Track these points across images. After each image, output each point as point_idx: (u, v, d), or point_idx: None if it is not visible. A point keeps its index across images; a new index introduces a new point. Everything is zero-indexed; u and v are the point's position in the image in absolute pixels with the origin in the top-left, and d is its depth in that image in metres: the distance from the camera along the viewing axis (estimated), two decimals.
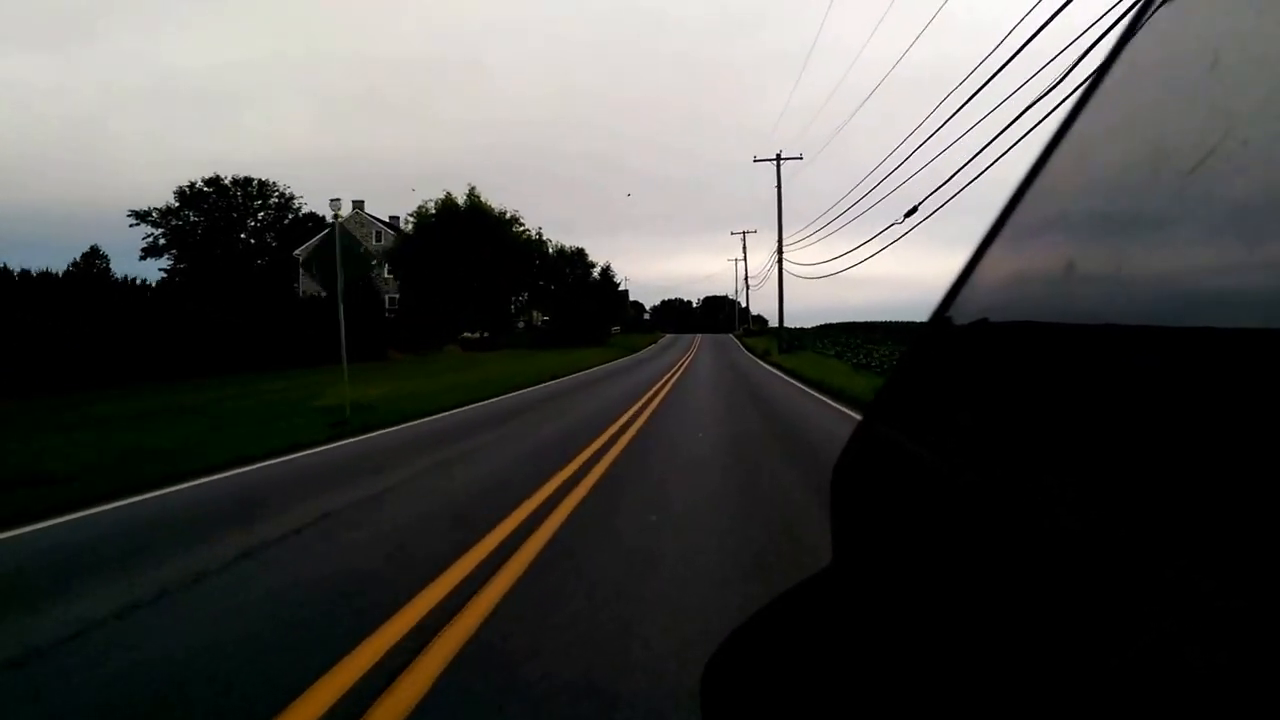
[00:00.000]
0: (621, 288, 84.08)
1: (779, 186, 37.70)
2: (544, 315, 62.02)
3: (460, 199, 49.20)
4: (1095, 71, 0.71)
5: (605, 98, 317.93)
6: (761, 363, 32.43)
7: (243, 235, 64.72)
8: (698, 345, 53.98)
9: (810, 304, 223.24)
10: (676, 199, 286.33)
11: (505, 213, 50.96)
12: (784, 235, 54.74)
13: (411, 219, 49.45)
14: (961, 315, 0.84)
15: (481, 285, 46.00)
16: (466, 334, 49.29)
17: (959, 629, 0.61)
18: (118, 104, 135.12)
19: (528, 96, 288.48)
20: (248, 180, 64.72)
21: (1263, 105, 0.46)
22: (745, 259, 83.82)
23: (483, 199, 49.57)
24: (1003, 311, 0.82)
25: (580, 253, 65.64)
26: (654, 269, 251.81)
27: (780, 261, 37.77)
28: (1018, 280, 0.80)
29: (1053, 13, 8.54)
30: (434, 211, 48.54)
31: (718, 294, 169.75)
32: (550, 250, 54.45)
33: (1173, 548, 0.41)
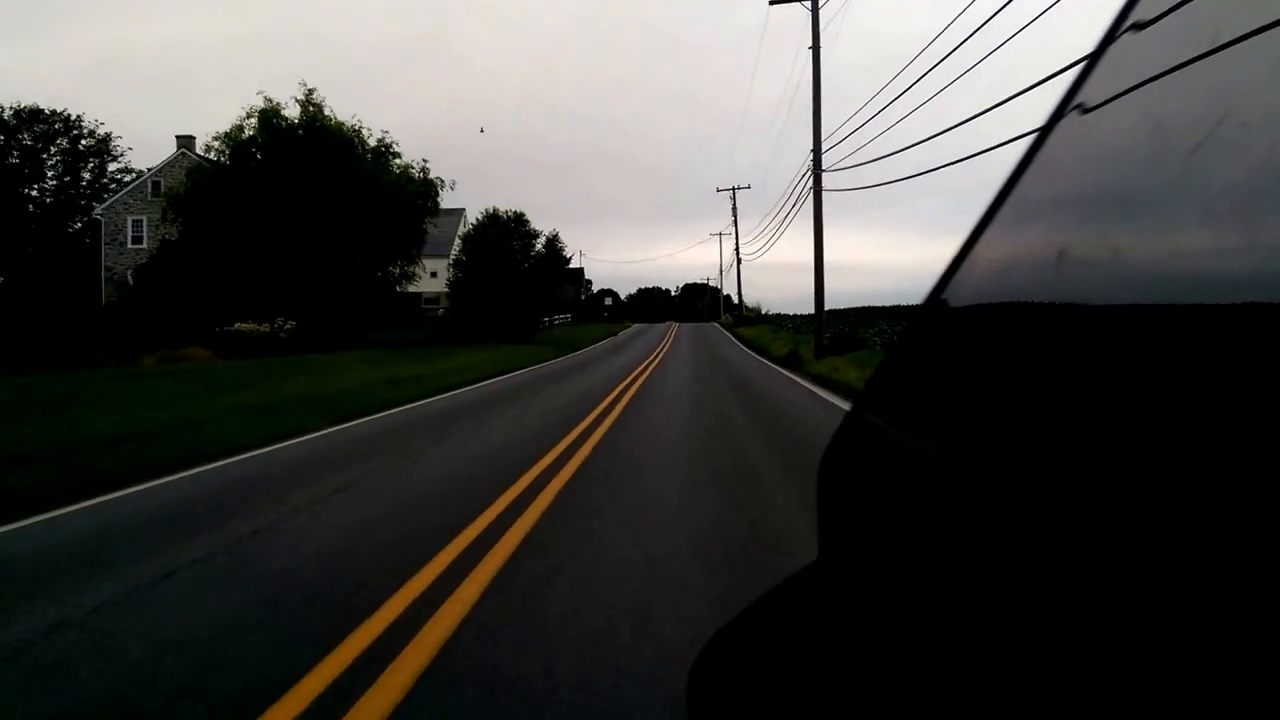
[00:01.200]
0: (573, 264, 64.52)
1: (815, 47, 20.15)
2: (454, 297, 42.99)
3: (291, 111, 30.69)
4: (1092, 50, 0.69)
5: (584, 83, 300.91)
6: (810, 387, 14.83)
7: (37, 190, 45.99)
8: (671, 340, 37.64)
9: (789, 293, 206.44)
10: (657, 188, 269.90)
11: (361, 129, 32.34)
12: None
13: (217, 143, 30.85)
14: (956, 300, 0.83)
15: (311, 243, 27.69)
16: (246, 324, 30.78)
17: (948, 623, 0.60)
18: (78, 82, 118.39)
19: (505, 81, 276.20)
20: (36, 113, 45.92)
21: (1263, 84, 0.46)
22: (736, 224, 64.67)
23: (327, 112, 30.97)
24: (998, 297, 0.81)
25: (519, 218, 47.52)
26: (631, 258, 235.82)
27: (817, 177, 20.21)
28: (1014, 265, 0.79)
29: None
30: (251, 134, 30.14)
31: (697, 280, 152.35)
32: (439, 194, 34.53)
33: (1167, 536, 0.41)
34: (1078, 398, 0.56)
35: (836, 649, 0.81)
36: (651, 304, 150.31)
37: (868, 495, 0.87)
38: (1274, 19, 0.46)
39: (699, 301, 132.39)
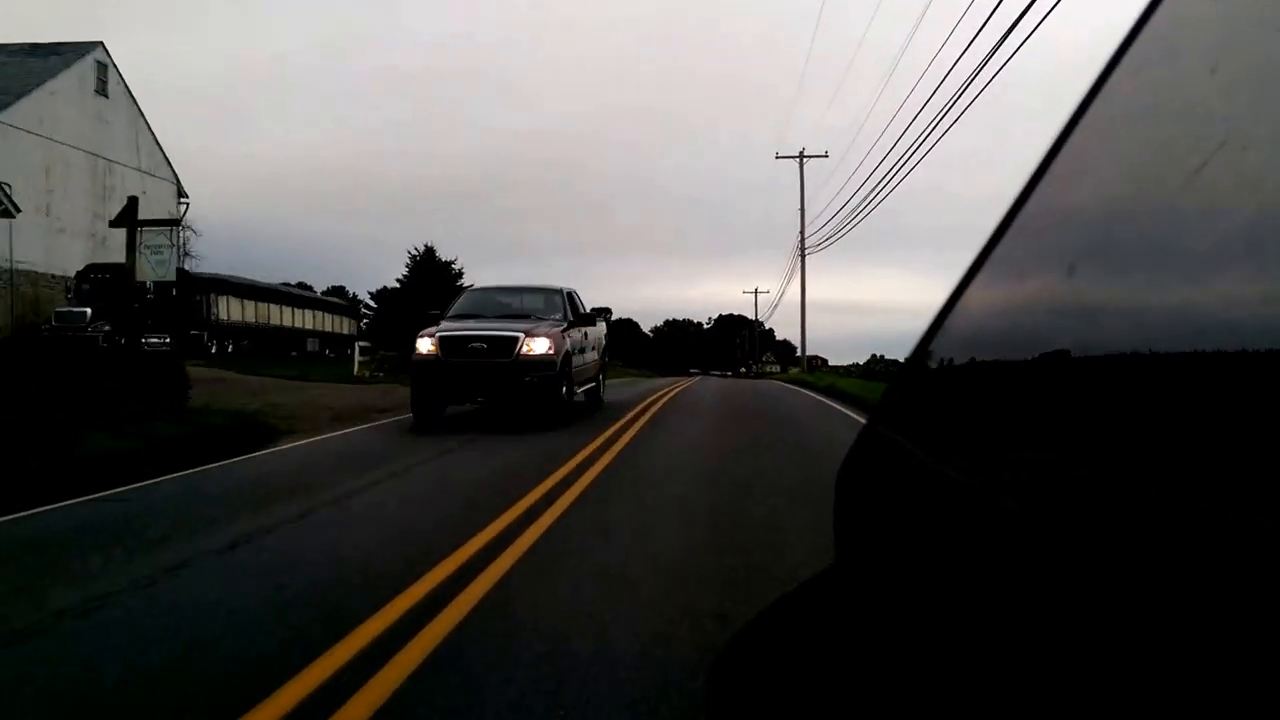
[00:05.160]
0: None
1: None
2: None
3: None
4: (1091, 85, 0.72)
5: (630, 115, 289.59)
6: None
7: None
8: None
9: (837, 331, 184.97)
10: (693, 222, 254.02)
11: None
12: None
13: None
14: (966, 319, 0.89)
15: None
16: None
17: (962, 632, 0.63)
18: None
19: (550, 110, 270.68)
20: None
21: (1267, 110, 0.48)
22: (803, 189, 41.81)
23: None
24: (1003, 315, 0.87)
25: None
26: (665, 294, 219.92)
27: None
28: (1019, 283, 0.85)
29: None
30: None
31: (734, 312, 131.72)
32: None
33: (1173, 546, 0.42)
34: (1080, 421, 0.60)
35: (852, 654, 0.84)
36: (678, 342, 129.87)
37: (882, 505, 0.92)
38: (1274, 39, 0.49)
39: (734, 339, 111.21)
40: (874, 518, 0.94)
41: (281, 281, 45.54)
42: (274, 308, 39.13)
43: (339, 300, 50.26)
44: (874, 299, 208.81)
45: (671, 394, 20.03)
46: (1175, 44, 0.65)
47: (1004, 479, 0.67)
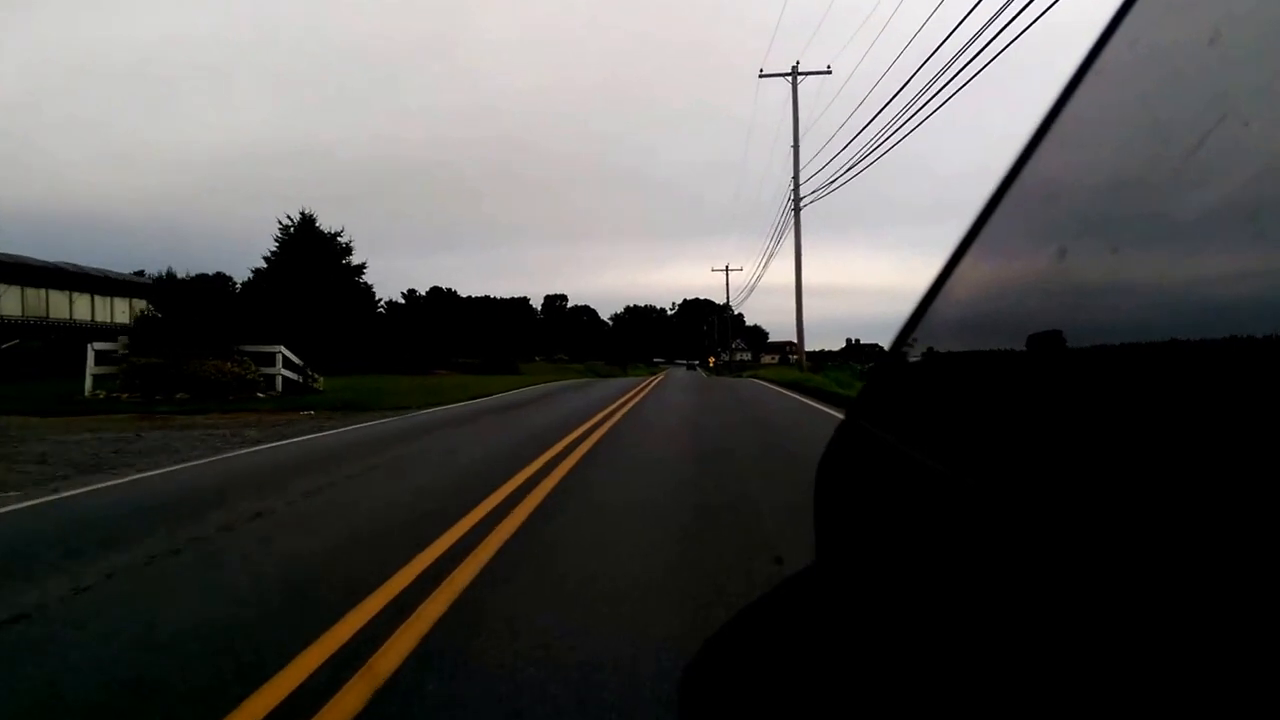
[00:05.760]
0: None
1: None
2: None
3: None
4: (1085, 56, 0.71)
5: (590, 93, 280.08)
6: None
7: None
8: None
9: (831, 316, 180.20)
10: (657, 203, 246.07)
11: None
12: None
13: None
14: (953, 303, 0.87)
15: None
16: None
17: (943, 622, 0.63)
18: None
19: (508, 87, 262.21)
20: None
21: (1268, 83, 0.47)
22: (796, 117, 32.57)
23: None
24: (993, 299, 0.85)
25: None
26: (626, 279, 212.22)
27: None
28: (1009, 264, 0.83)
29: None
30: None
31: (700, 296, 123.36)
32: None
33: (1152, 532, 0.43)
34: (1069, 403, 0.60)
35: (833, 654, 0.84)
36: (636, 330, 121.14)
37: (863, 499, 0.91)
38: (1274, 10, 0.49)
39: (703, 323, 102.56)
40: (856, 514, 0.92)
41: (135, 271, 33.45)
42: (57, 296, 29.87)
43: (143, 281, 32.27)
44: (845, 281, 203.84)
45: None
46: (1172, 13, 0.64)
47: (996, 471, 0.65)
